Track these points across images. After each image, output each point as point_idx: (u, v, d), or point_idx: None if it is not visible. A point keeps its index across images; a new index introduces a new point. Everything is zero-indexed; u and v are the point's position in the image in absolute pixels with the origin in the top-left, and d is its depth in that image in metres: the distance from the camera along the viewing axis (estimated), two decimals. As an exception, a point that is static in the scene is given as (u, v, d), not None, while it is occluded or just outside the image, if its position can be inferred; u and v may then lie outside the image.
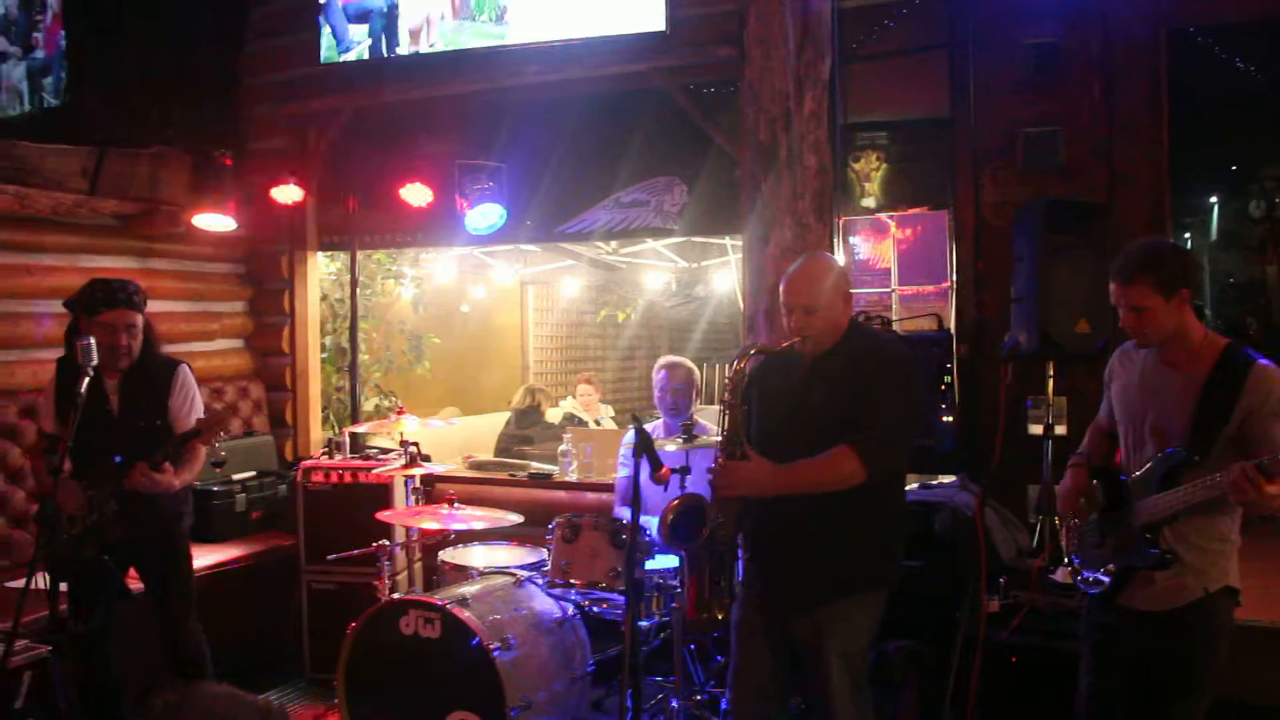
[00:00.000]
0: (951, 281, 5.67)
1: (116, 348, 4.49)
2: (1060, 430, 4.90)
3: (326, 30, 6.64)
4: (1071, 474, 3.65)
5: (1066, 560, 3.65)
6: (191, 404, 4.74)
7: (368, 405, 8.43)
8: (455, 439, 7.84)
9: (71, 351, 4.45)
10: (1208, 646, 3.30)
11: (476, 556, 5.26)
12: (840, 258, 5.79)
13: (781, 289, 3.66)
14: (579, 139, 6.50)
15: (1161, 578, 3.31)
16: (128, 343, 4.55)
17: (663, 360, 5.64)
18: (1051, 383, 4.89)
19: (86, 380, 4.01)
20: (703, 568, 3.66)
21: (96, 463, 4.36)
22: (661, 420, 5.61)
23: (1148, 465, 3.35)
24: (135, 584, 4.71)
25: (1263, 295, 16.57)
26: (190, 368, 4.82)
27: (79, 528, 4.27)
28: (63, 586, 4.00)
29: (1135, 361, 3.51)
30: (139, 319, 4.61)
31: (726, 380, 3.65)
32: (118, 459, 4.35)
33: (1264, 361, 3.22)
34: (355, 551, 5.18)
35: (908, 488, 5.10)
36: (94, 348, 4.06)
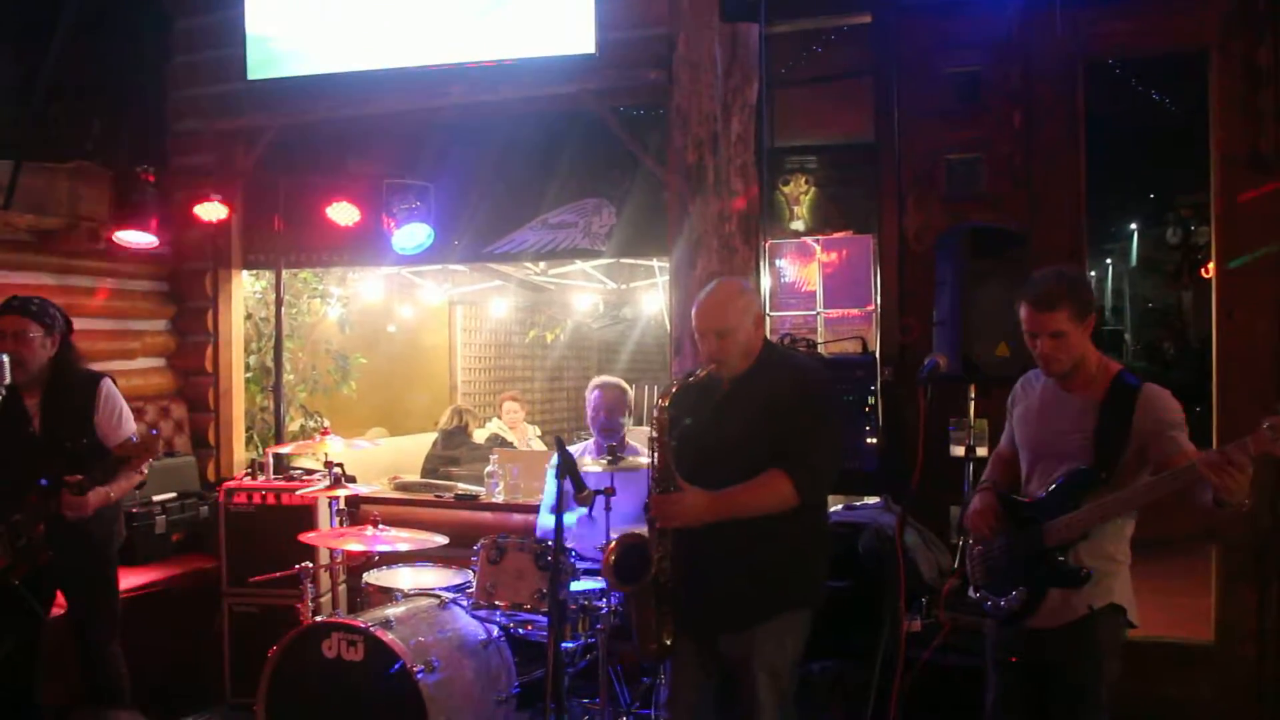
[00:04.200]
0: (876, 305, 5.72)
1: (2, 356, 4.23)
2: (982, 452, 4.95)
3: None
4: (980, 497, 3.70)
5: (973, 590, 3.71)
6: (120, 418, 4.63)
7: (292, 426, 8.33)
8: (381, 460, 7.79)
9: None
10: (1094, 661, 3.39)
11: (401, 578, 5.23)
12: (766, 281, 5.84)
13: (693, 314, 3.71)
14: (508, 160, 6.48)
15: (1050, 596, 3.41)
16: (14, 348, 4.34)
17: (596, 380, 5.69)
18: (973, 405, 4.97)
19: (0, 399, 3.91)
20: (648, 600, 3.67)
21: (19, 485, 4.23)
22: (593, 439, 5.64)
23: (1053, 486, 3.45)
24: (57, 609, 4.61)
25: (1179, 319, 17.03)
26: (114, 381, 4.70)
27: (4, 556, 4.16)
28: None
29: (1034, 387, 3.66)
30: (31, 327, 4.44)
31: (654, 418, 3.66)
32: (43, 481, 4.21)
33: (1149, 384, 3.38)
34: (278, 574, 5.12)
35: (833, 509, 5.17)
36: (6, 366, 3.95)
